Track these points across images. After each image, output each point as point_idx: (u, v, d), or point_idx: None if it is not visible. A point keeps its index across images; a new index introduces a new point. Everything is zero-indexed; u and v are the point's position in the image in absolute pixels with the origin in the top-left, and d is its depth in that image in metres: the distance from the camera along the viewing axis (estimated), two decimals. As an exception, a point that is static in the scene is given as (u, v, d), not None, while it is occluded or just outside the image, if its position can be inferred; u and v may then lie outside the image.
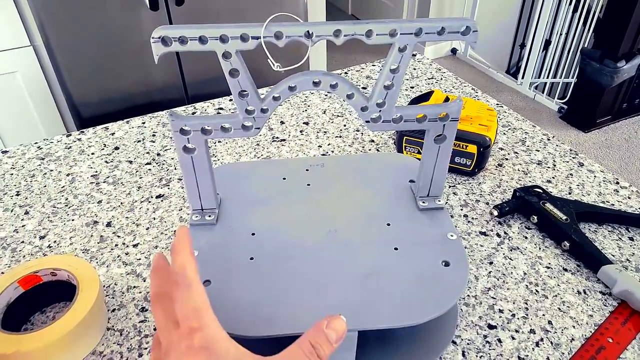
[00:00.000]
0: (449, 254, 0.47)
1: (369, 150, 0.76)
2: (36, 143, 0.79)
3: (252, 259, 0.47)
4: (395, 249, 0.48)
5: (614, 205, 0.65)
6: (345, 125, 0.82)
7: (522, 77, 2.86)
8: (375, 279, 0.45)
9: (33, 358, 0.45)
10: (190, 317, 0.33)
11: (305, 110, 0.86)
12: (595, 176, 0.70)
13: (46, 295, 0.53)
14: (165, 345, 0.34)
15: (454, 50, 3.33)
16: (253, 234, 0.50)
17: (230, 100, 0.89)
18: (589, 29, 2.56)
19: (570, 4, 2.57)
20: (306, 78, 0.43)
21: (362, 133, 0.80)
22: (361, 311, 0.42)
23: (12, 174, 0.73)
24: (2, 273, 0.57)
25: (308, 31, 0.40)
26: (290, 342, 0.35)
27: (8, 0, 1.50)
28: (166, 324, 0.35)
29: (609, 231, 0.61)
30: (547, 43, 2.75)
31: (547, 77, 2.82)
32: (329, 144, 0.77)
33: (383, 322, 0.42)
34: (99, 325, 0.50)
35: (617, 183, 0.69)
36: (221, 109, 0.87)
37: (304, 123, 0.83)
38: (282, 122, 0.83)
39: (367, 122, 0.46)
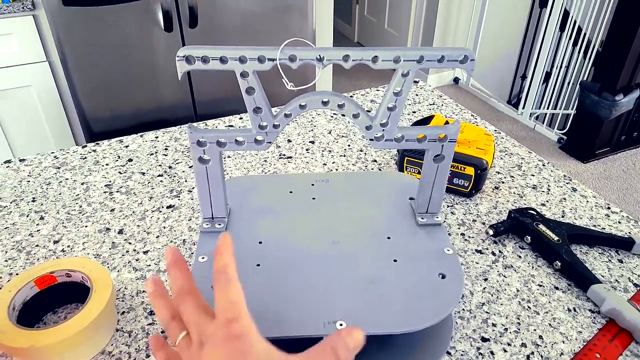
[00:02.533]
0: (446, 267, 0.50)
1: (372, 169, 0.79)
2: (52, 153, 0.82)
3: (258, 265, 0.50)
4: (395, 260, 0.50)
5: (604, 229, 0.68)
6: (349, 145, 0.85)
7: (523, 108, 2.91)
8: (375, 288, 0.47)
9: (46, 353, 0.47)
10: (228, 309, 0.36)
11: (312, 130, 0.90)
12: (587, 201, 0.73)
13: (59, 296, 0.56)
14: (199, 337, 0.36)
15: (456, 80, 3.40)
16: (260, 243, 0.52)
17: (241, 118, 0.93)
18: (588, 62, 2.62)
19: (570, 37, 2.63)
20: (316, 97, 0.47)
21: (365, 153, 0.83)
22: (361, 317, 0.44)
23: (28, 181, 0.76)
24: (17, 275, 0.60)
25: (319, 55, 0.44)
26: (293, 343, 0.38)
27: (28, 17, 1.56)
28: (199, 317, 0.37)
29: (599, 253, 0.64)
30: (548, 75, 2.82)
31: (547, 108, 2.87)
32: (333, 162, 0.81)
33: (381, 328, 0.44)
34: (109, 326, 0.53)
35: (609, 208, 0.72)
36: (231, 126, 0.91)
37: (310, 142, 0.86)
38: (289, 140, 0.86)
39: (371, 140, 0.49)
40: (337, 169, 0.79)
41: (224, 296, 0.37)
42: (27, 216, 0.69)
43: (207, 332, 0.36)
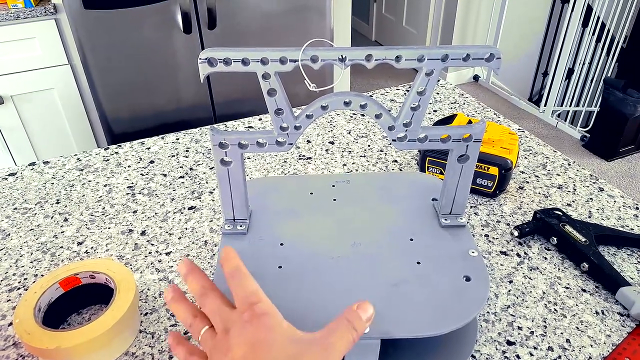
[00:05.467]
0: (470, 269, 0.49)
1: (392, 169, 0.78)
2: (76, 155, 0.83)
3: (280, 267, 0.49)
4: (418, 262, 0.50)
5: (633, 229, 0.66)
6: (369, 146, 0.84)
7: (545, 105, 2.86)
8: (398, 291, 0.47)
9: (72, 354, 0.48)
10: (249, 296, 0.38)
11: (331, 131, 0.89)
12: (615, 201, 0.71)
13: (83, 297, 0.56)
14: (223, 325, 0.38)
15: (476, 77, 3.36)
16: (281, 244, 0.52)
17: (260, 119, 0.93)
18: (612, 59, 2.57)
19: (593, 33, 2.58)
20: (338, 98, 0.46)
21: (385, 153, 0.82)
22: (384, 320, 0.44)
23: (52, 183, 0.77)
24: (42, 276, 0.61)
25: (342, 55, 0.43)
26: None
27: (50, 21, 1.59)
28: (222, 308, 0.39)
29: (627, 254, 0.62)
30: (570, 72, 2.76)
31: (570, 106, 2.82)
32: (353, 163, 0.80)
33: (405, 331, 0.43)
34: (133, 328, 0.53)
35: (637, 208, 0.70)
36: (251, 127, 0.91)
37: (329, 142, 0.86)
38: (308, 141, 0.86)
39: (394, 140, 0.49)
40: (357, 170, 0.79)
41: (242, 288, 0.39)
42: (52, 218, 0.70)
43: (231, 318, 0.37)
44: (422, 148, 0.50)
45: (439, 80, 1.07)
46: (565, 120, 2.82)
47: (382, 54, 0.43)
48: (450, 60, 0.44)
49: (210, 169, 0.79)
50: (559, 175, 0.77)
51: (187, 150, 0.84)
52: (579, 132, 2.70)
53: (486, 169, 0.68)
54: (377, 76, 3.39)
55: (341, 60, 0.43)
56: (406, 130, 0.48)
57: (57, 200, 0.73)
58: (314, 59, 0.43)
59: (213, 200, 0.72)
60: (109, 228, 0.68)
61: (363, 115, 0.94)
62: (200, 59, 0.42)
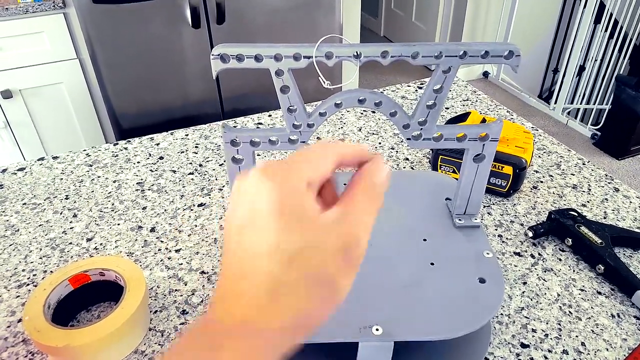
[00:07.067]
0: (485, 271, 0.48)
1: (404, 168, 0.77)
2: (85, 150, 0.83)
3: (292, 267, 0.49)
4: (432, 264, 0.49)
5: (650, 231, 0.65)
6: (380, 143, 0.84)
7: (555, 102, 2.83)
8: (411, 293, 0.46)
9: (82, 352, 0.47)
10: None
11: (341, 128, 0.88)
12: (631, 202, 0.70)
13: (93, 295, 0.56)
14: None
15: (485, 74, 3.33)
16: (293, 244, 0.52)
17: (269, 116, 0.92)
18: (624, 56, 2.53)
19: (605, 30, 2.55)
20: (352, 95, 0.45)
21: (397, 151, 0.81)
22: (397, 322, 0.43)
23: (61, 179, 0.77)
24: (51, 272, 0.60)
25: (357, 52, 0.42)
26: (327, 349, 0.37)
27: (59, 15, 1.59)
28: None
29: (645, 257, 0.61)
30: (581, 69, 2.73)
31: (581, 103, 2.79)
32: (364, 161, 0.79)
33: (419, 334, 0.43)
34: (143, 325, 0.53)
35: (654, 210, 0.68)
36: (260, 123, 0.90)
37: (339, 139, 0.85)
38: (318, 138, 0.85)
39: (409, 139, 0.48)
40: (368, 167, 0.78)
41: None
42: (61, 214, 0.70)
43: None
44: (437, 147, 0.49)
45: (450, 77, 1.06)
46: (576, 118, 2.79)
47: (398, 50, 0.42)
48: (468, 58, 0.43)
49: (220, 165, 0.79)
50: (573, 174, 0.75)
51: (196, 147, 0.84)
52: (589, 130, 2.67)
53: (500, 168, 0.67)
54: (387, 72, 3.37)
55: (356, 57, 0.42)
56: (421, 129, 0.47)
57: (66, 195, 0.73)
58: (328, 55, 0.42)
59: (223, 197, 0.72)
60: (118, 224, 0.67)
61: (374, 112, 0.93)
62: (212, 55, 0.42)
